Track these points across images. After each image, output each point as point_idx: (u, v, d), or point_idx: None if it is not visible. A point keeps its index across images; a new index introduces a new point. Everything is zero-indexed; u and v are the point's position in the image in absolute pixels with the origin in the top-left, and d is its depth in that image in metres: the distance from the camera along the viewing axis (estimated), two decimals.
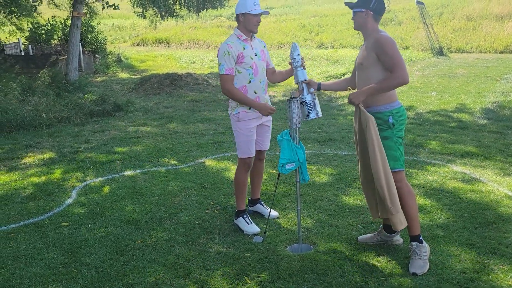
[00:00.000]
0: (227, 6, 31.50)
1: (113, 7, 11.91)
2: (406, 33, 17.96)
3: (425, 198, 4.43)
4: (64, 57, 12.29)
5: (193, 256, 3.49)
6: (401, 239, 3.61)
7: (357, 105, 3.21)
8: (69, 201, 4.62)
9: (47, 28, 15.35)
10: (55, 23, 15.49)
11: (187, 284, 3.13)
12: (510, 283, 3.04)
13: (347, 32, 18.72)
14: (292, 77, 3.73)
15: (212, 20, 25.76)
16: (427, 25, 18.25)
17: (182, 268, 3.33)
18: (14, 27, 13.93)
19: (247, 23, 3.69)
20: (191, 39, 21.56)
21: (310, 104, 3.52)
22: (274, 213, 4.15)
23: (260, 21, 3.73)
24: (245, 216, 3.97)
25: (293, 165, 3.47)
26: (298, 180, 3.57)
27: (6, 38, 15.39)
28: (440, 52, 15.84)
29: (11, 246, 3.72)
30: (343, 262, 3.34)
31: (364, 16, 3.26)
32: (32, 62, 12.15)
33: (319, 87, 3.62)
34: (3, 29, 14.83)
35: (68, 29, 12.61)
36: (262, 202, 4.29)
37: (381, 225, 3.61)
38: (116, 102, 9.01)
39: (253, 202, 4.28)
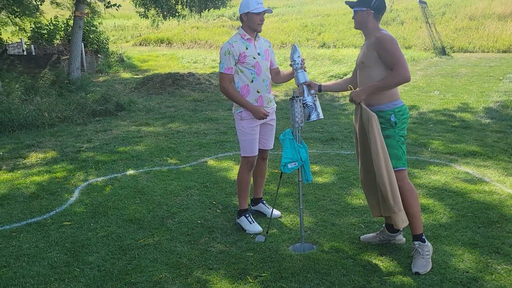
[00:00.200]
0: (229, 6, 31.52)
1: (114, 6, 11.94)
2: (408, 32, 17.93)
3: (428, 197, 4.42)
4: (66, 57, 12.33)
5: (195, 255, 3.49)
6: (404, 239, 3.60)
7: (358, 104, 3.21)
8: (72, 200, 4.62)
9: (49, 28, 15.40)
10: (57, 23, 15.54)
11: (189, 283, 3.12)
12: None
13: (349, 32, 18.70)
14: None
15: (214, 20, 25.79)
16: (429, 25, 18.22)
17: (184, 267, 3.33)
18: (16, 28, 13.97)
19: (251, 22, 3.69)
20: (193, 39, 21.58)
21: (311, 106, 3.50)
22: (276, 212, 4.14)
23: (263, 20, 3.72)
24: (247, 215, 3.96)
25: (295, 164, 3.46)
26: (300, 180, 3.57)
27: (8, 38, 15.42)
28: (442, 51, 15.80)
29: (13, 245, 3.72)
30: (346, 262, 3.33)
31: (364, 15, 3.25)
32: (34, 62, 12.18)
33: (320, 89, 3.60)
34: (5, 29, 14.87)
35: (70, 29, 12.65)
36: (265, 202, 4.29)
37: (383, 225, 3.60)
38: (118, 102, 9.04)
39: (256, 201, 4.27)
